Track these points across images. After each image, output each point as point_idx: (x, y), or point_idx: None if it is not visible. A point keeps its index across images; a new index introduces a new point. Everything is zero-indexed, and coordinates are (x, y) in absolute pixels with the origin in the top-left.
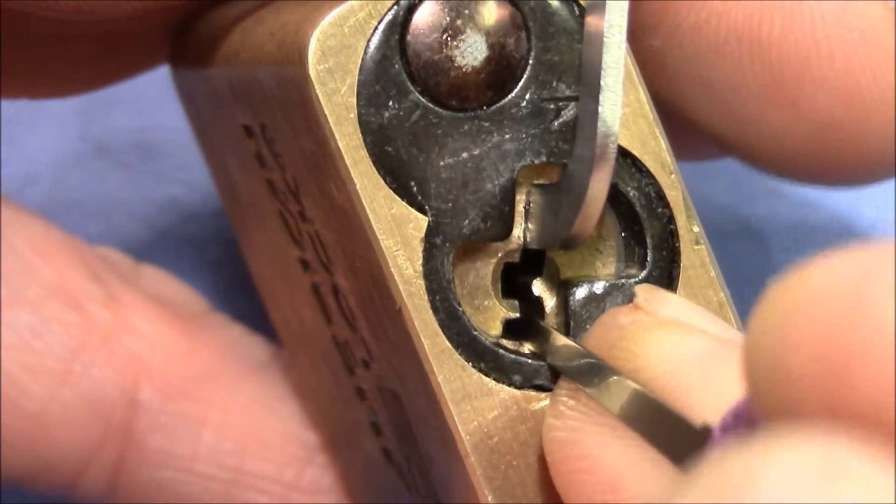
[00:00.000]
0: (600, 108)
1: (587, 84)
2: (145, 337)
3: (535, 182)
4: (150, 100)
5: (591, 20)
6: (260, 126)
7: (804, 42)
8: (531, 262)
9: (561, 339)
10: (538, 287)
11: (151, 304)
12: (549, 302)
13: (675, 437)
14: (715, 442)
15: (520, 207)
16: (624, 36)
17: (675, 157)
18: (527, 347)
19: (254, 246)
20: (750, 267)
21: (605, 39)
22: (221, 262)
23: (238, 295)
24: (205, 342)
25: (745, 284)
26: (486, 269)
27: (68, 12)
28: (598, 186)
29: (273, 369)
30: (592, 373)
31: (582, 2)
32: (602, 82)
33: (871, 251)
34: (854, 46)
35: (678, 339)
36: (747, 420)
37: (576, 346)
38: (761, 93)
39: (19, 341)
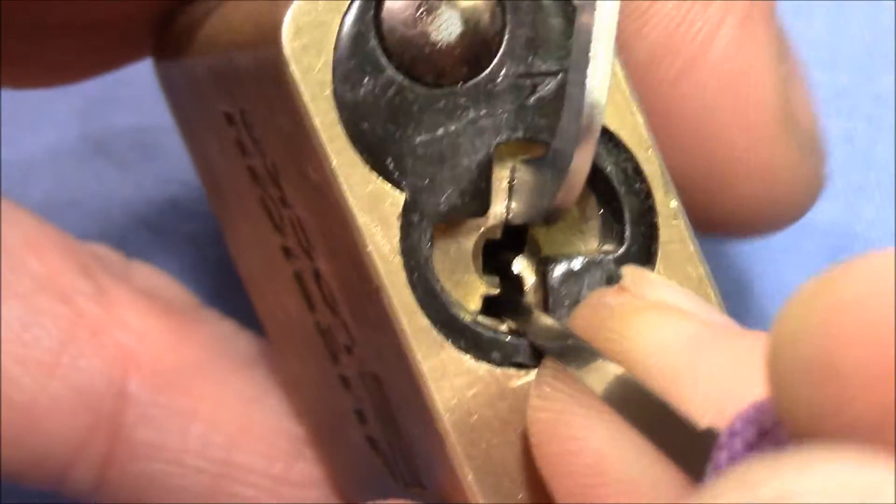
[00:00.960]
0: (588, 79)
1: (576, 56)
2: (134, 330)
3: (522, 158)
4: (149, 100)
5: None
6: (240, 112)
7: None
8: (513, 240)
9: (544, 319)
10: (519, 264)
11: (141, 298)
12: (530, 280)
13: (665, 428)
14: (722, 447)
15: (504, 184)
16: (616, 7)
17: None
18: (506, 325)
19: (238, 238)
20: (749, 267)
21: (596, 10)
22: (220, 261)
23: (237, 294)
24: (194, 336)
25: (744, 284)
26: (467, 245)
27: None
28: (583, 157)
29: (263, 364)
30: (576, 354)
31: None
32: (591, 54)
33: None
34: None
35: (667, 323)
36: (759, 426)
37: (559, 326)
38: None
39: (9, 333)
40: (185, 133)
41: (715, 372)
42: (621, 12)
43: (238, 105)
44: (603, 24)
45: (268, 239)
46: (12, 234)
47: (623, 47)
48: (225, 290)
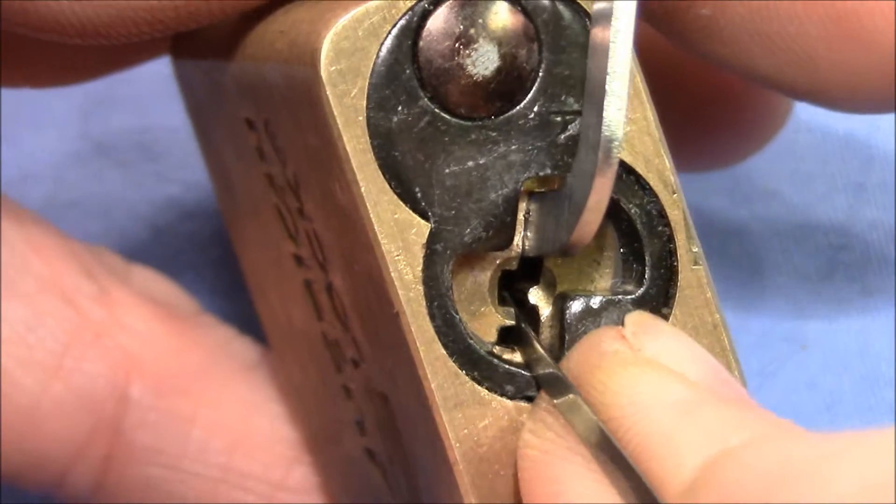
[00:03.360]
0: (604, 113)
1: (591, 91)
2: (137, 334)
3: (536, 190)
4: (149, 100)
5: (597, 27)
6: (263, 121)
7: None
8: (528, 270)
9: (539, 350)
10: (534, 295)
11: (143, 301)
12: (545, 311)
13: (635, 491)
14: None
15: (520, 216)
16: (630, 42)
17: (700, 166)
18: (517, 356)
19: (245, 237)
20: (750, 269)
21: (611, 44)
22: (221, 261)
23: (237, 294)
24: (195, 341)
25: (744, 287)
26: (483, 276)
27: (72, 35)
28: (600, 193)
29: (262, 370)
30: (560, 387)
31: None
32: (607, 87)
33: (784, 444)
34: None
35: (653, 383)
36: None
37: (549, 360)
38: (821, 35)
39: (13, 334)
40: (199, 130)
41: (689, 442)
42: (636, 47)
43: (262, 114)
44: (618, 58)
45: (279, 244)
46: (15, 234)
47: None
48: (224, 291)
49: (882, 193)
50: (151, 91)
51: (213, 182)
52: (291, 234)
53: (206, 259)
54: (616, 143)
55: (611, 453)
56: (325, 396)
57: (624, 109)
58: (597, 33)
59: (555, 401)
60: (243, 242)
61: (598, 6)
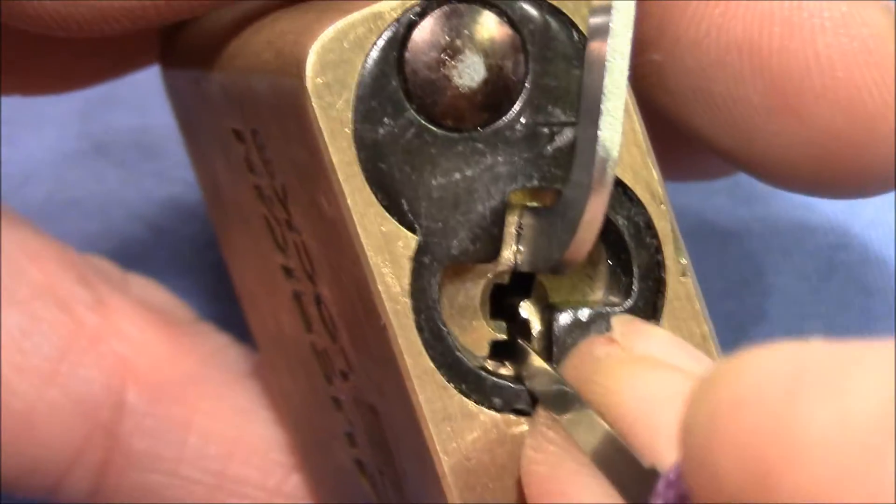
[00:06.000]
0: (600, 133)
1: (587, 108)
2: (132, 340)
3: (529, 205)
4: (149, 99)
5: (593, 44)
6: (251, 132)
7: (804, 52)
8: (520, 284)
9: (538, 363)
10: (525, 309)
11: (139, 309)
12: (536, 325)
13: (632, 479)
14: (658, 495)
15: (512, 229)
16: (627, 61)
17: (684, 177)
18: (509, 369)
19: (234, 247)
20: (750, 269)
21: (607, 64)
22: (220, 262)
23: (235, 296)
24: (191, 348)
25: (744, 287)
26: (475, 290)
27: (54, 28)
28: (595, 211)
29: (258, 377)
30: (565, 402)
31: (581, 28)
32: (602, 107)
33: (803, 349)
34: (855, 55)
35: (653, 377)
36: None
37: (551, 371)
38: (763, 104)
39: (8, 340)
40: (189, 140)
41: None
42: (631, 68)
43: (250, 125)
44: (614, 76)
45: (268, 256)
46: (11, 242)
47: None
48: (224, 293)
49: None
50: (151, 91)
51: (202, 191)
52: (280, 246)
53: (206, 260)
54: (611, 163)
55: (622, 459)
56: (315, 406)
57: (620, 128)
58: (593, 48)
59: (558, 415)
60: (233, 251)
61: (593, 21)
